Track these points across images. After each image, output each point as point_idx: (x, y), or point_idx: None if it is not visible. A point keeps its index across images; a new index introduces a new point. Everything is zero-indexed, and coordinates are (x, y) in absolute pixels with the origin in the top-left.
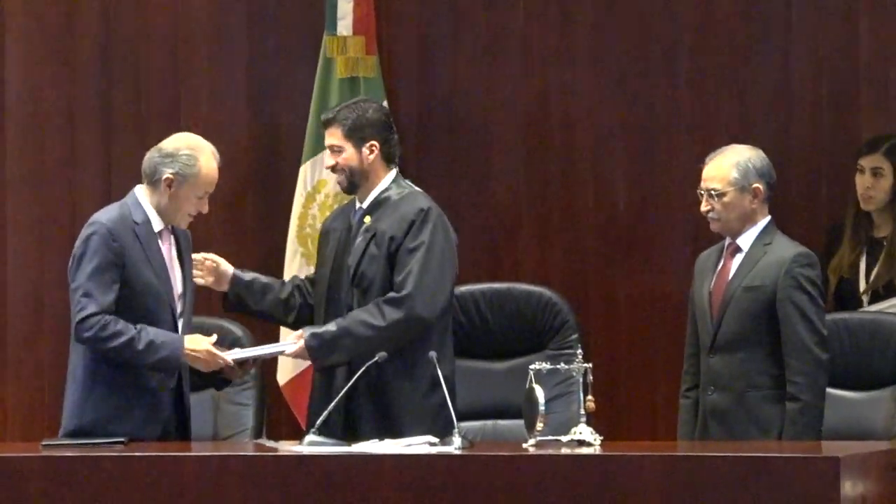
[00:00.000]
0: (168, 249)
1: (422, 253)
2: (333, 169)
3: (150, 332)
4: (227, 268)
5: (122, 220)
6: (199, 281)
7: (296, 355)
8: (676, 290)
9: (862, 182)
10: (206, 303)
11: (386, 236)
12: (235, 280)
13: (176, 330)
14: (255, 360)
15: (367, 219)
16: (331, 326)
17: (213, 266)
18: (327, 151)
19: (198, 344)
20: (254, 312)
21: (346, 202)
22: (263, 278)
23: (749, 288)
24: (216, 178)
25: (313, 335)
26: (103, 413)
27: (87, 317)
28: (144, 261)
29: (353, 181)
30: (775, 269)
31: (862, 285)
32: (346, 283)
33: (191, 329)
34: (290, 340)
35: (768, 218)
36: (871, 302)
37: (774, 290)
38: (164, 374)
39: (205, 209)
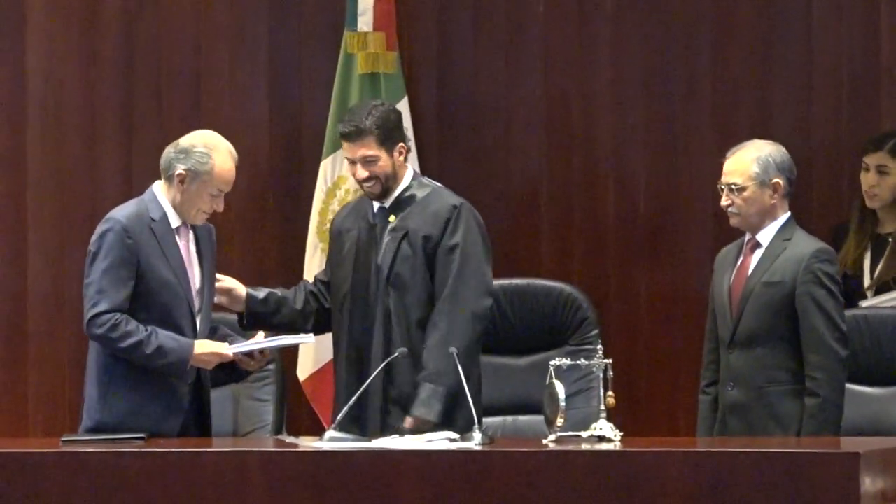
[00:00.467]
0: (185, 245)
1: (460, 250)
2: (367, 179)
3: (160, 337)
4: (241, 289)
5: (138, 216)
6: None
7: (414, 432)
8: (697, 286)
9: (867, 180)
10: None
11: (419, 235)
12: (249, 299)
13: (194, 326)
14: (262, 351)
15: (392, 217)
16: (425, 388)
17: (225, 288)
18: (357, 165)
19: (206, 348)
20: (273, 327)
21: (352, 201)
22: (277, 292)
23: (769, 283)
24: (231, 177)
25: (419, 408)
26: (121, 409)
27: (99, 314)
28: (161, 257)
29: (388, 186)
30: (795, 264)
31: (866, 281)
32: (374, 283)
33: (210, 324)
34: (302, 336)
35: (788, 214)
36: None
37: (794, 285)
38: (176, 375)
39: (219, 208)
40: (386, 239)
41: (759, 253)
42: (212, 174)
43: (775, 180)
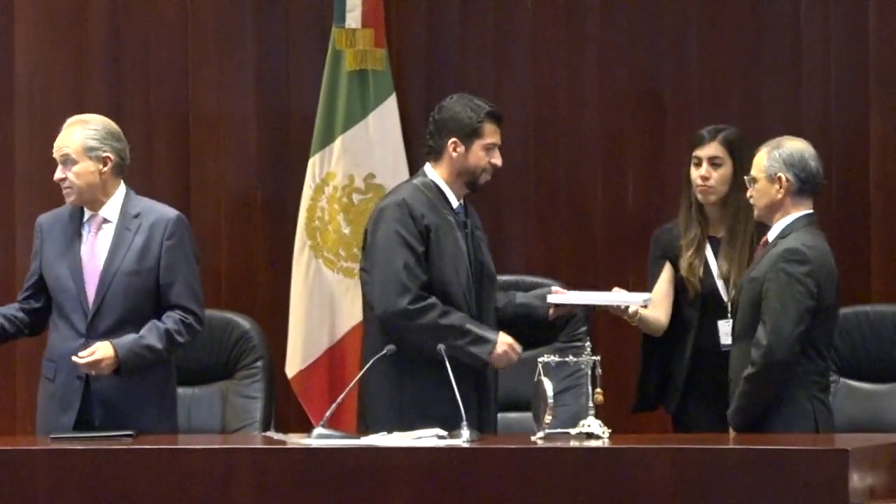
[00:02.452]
0: (92, 238)
1: None
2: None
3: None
4: None
5: (57, 213)
6: None
7: None
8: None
9: (698, 174)
10: (215, 294)
11: (485, 234)
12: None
13: (85, 320)
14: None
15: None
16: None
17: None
18: (497, 151)
19: None
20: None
21: (410, 194)
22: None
23: (751, 279)
24: (56, 144)
25: None
26: (41, 403)
27: None
28: (61, 253)
29: None
30: (770, 262)
31: (723, 292)
32: (483, 281)
33: (122, 312)
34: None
35: (803, 213)
36: None
37: (764, 282)
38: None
39: (56, 176)
40: (478, 237)
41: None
42: None
43: (779, 175)
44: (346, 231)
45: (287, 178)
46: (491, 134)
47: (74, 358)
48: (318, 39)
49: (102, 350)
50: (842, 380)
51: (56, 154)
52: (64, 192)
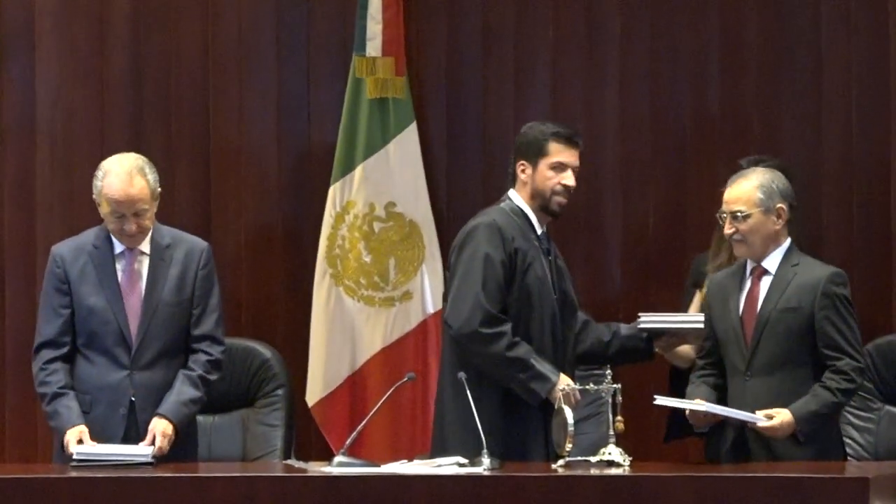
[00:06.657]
0: (129, 270)
1: None
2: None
3: (61, 402)
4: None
5: (77, 244)
6: None
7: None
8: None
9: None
10: (236, 323)
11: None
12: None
13: (129, 351)
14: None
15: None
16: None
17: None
18: (571, 171)
19: (68, 435)
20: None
21: (498, 216)
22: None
23: (786, 310)
24: (121, 197)
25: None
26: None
27: (35, 349)
28: (94, 284)
29: None
30: (810, 290)
31: None
32: (563, 311)
33: (164, 343)
34: (145, 447)
35: (790, 239)
36: None
37: (811, 311)
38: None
39: (126, 229)
40: (562, 266)
41: (767, 280)
42: (101, 196)
43: (779, 206)
44: (367, 259)
45: (308, 207)
46: (557, 152)
47: (159, 445)
48: (339, 68)
49: (163, 427)
50: (886, 407)
51: (128, 210)
52: (131, 239)
